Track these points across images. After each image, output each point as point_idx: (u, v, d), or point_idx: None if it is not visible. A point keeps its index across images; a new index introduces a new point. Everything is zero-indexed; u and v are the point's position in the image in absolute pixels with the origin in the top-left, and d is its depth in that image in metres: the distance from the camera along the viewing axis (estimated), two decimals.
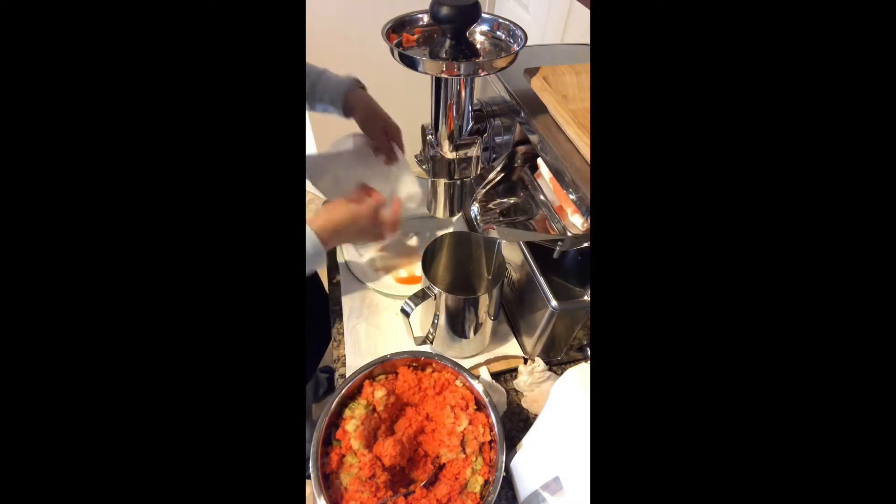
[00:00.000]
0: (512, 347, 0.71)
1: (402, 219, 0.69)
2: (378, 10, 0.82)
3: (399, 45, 0.49)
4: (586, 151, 0.47)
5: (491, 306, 0.63)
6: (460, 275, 0.73)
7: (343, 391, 0.57)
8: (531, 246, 0.62)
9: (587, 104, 0.50)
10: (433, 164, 0.59)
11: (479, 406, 0.58)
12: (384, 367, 0.61)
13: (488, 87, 0.66)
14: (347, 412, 0.57)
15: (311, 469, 0.51)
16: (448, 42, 0.47)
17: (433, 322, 0.65)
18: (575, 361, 0.70)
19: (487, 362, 0.69)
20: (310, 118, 1.76)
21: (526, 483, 0.51)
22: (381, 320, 0.74)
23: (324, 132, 1.76)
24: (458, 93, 0.52)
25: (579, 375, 0.40)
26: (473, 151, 0.58)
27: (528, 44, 0.49)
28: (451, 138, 0.56)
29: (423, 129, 0.60)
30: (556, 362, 0.69)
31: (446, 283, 0.74)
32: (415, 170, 0.70)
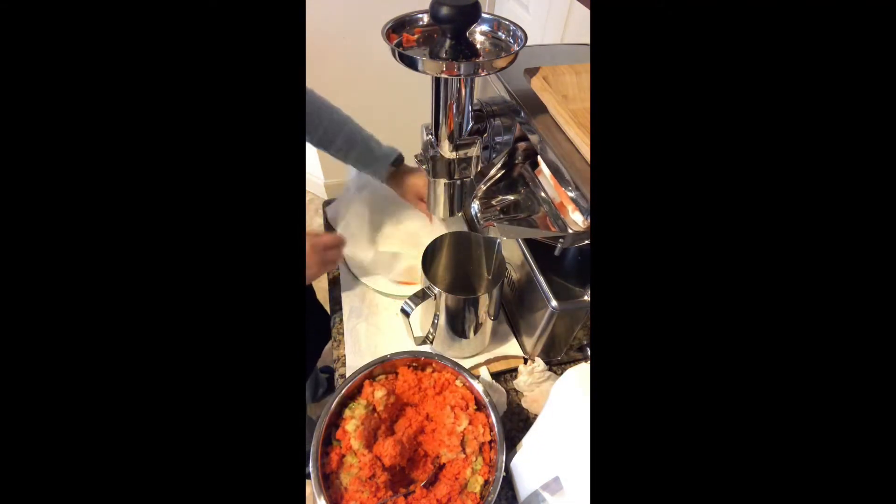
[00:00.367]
0: (512, 347, 0.71)
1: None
2: (378, 10, 0.82)
3: (399, 45, 0.49)
4: (586, 151, 0.47)
5: (491, 306, 0.63)
6: (460, 275, 0.73)
7: (343, 391, 0.57)
8: (531, 245, 0.62)
9: (587, 104, 0.50)
10: (433, 164, 0.59)
11: (479, 406, 0.58)
12: (384, 367, 0.61)
13: (488, 87, 0.66)
14: (347, 412, 0.57)
15: (311, 469, 0.51)
16: (448, 42, 0.46)
17: (433, 322, 0.65)
18: (575, 361, 0.70)
19: (487, 362, 0.69)
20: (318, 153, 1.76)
21: (526, 483, 0.51)
22: (381, 320, 0.74)
23: (329, 158, 1.78)
24: (458, 93, 0.52)
25: (579, 375, 0.40)
26: (473, 151, 0.58)
27: (528, 44, 0.49)
28: (451, 138, 0.56)
29: (423, 129, 0.60)
30: (556, 362, 0.69)
31: (446, 283, 0.74)
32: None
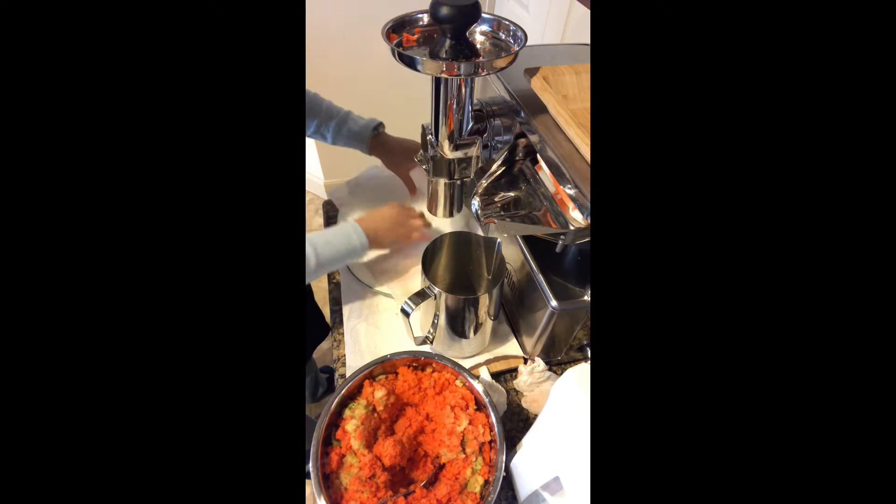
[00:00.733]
0: (512, 347, 0.71)
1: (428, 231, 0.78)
2: (378, 10, 0.82)
3: (399, 45, 0.49)
4: (586, 151, 0.47)
5: (491, 306, 0.63)
6: (460, 275, 0.73)
7: (343, 391, 0.57)
8: (531, 245, 0.62)
9: (587, 104, 0.50)
10: (433, 164, 0.59)
11: (479, 406, 0.58)
12: (384, 367, 0.61)
13: (488, 87, 0.66)
14: (347, 412, 0.57)
15: (311, 469, 0.52)
16: (448, 42, 0.47)
17: (433, 322, 0.65)
18: (575, 361, 0.70)
19: (487, 362, 0.69)
20: (316, 146, 1.78)
21: (526, 483, 0.51)
22: (381, 320, 0.74)
23: (329, 158, 1.84)
24: (458, 93, 0.52)
25: (579, 375, 0.40)
26: (473, 151, 0.58)
27: (528, 44, 0.49)
28: (451, 138, 0.56)
29: (423, 128, 0.60)
30: (556, 362, 0.69)
31: (446, 283, 0.74)
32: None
